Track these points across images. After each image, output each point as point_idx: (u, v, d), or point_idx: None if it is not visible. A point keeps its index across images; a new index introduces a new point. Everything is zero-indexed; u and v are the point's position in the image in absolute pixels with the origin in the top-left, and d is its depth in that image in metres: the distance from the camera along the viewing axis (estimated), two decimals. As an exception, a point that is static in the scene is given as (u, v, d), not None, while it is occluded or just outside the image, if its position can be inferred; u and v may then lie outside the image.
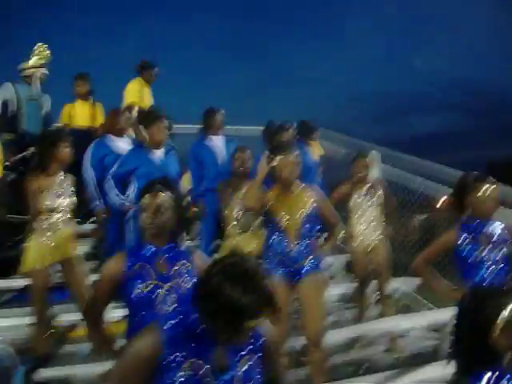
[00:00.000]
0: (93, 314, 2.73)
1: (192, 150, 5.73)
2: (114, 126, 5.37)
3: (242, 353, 1.86)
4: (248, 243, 4.56)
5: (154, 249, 2.63)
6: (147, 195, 2.65)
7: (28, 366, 3.65)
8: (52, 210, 4.06)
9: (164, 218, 2.61)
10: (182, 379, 1.75)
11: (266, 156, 3.79)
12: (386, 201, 5.37)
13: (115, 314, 4.18)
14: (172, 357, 1.77)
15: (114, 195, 4.82)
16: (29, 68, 5.86)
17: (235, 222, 4.75)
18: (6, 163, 5.43)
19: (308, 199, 3.75)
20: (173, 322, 1.85)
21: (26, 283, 5.00)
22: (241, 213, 4.67)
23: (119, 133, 5.38)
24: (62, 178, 4.17)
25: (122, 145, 5.32)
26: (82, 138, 5.96)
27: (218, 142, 5.67)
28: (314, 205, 3.75)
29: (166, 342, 1.79)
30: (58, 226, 4.09)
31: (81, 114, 6.43)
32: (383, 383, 3.92)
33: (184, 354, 1.78)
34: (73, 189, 4.24)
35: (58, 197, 4.09)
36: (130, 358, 1.82)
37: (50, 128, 6.09)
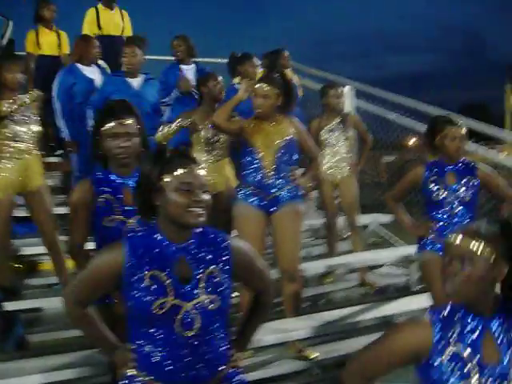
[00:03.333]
0: (76, 250, 2.56)
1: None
2: (84, 55, 5.15)
3: (206, 263, 1.82)
4: (215, 172, 4.28)
5: (119, 180, 2.48)
6: (112, 122, 2.45)
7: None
8: (12, 139, 3.79)
9: (132, 144, 2.45)
10: (144, 291, 1.73)
11: (245, 83, 3.73)
12: (360, 137, 5.31)
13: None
14: (135, 268, 1.76)
15: (90, 126, 4.62)
16: None
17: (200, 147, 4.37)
18: None
19: (286, 129, 3.64)
20: (135, 234, 1.86)
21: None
22: (209, 134, 4.32)
23: (89, 61, 5.19)
24: (25, 105, 3.87)
25: (91, 73, 5.17)
26: (51, 67, 5.79)
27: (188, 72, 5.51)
28: (292, 136, 3.64)
29: (129, 253, 1.77)
30: (20, 156, 3.83)
31: (47, 42, 6.09)
32: (354, 317, 3.94)
33: (147, 265, 1.77)
34: (37, 118, 3.94)
35: (18, 125, 3.81)
36: (91, 271, 1.85)
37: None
